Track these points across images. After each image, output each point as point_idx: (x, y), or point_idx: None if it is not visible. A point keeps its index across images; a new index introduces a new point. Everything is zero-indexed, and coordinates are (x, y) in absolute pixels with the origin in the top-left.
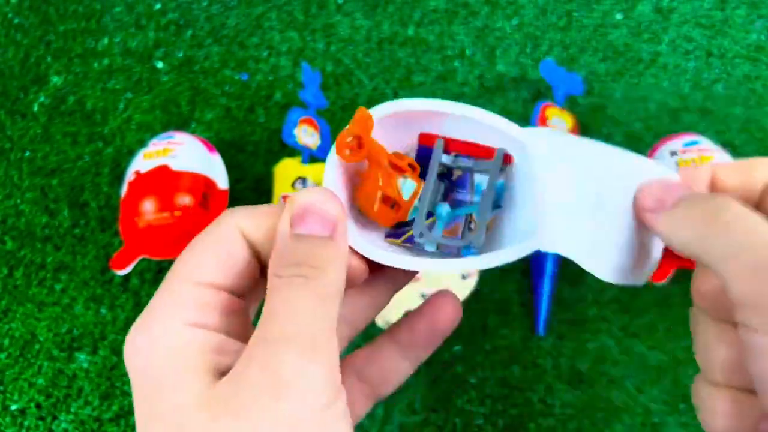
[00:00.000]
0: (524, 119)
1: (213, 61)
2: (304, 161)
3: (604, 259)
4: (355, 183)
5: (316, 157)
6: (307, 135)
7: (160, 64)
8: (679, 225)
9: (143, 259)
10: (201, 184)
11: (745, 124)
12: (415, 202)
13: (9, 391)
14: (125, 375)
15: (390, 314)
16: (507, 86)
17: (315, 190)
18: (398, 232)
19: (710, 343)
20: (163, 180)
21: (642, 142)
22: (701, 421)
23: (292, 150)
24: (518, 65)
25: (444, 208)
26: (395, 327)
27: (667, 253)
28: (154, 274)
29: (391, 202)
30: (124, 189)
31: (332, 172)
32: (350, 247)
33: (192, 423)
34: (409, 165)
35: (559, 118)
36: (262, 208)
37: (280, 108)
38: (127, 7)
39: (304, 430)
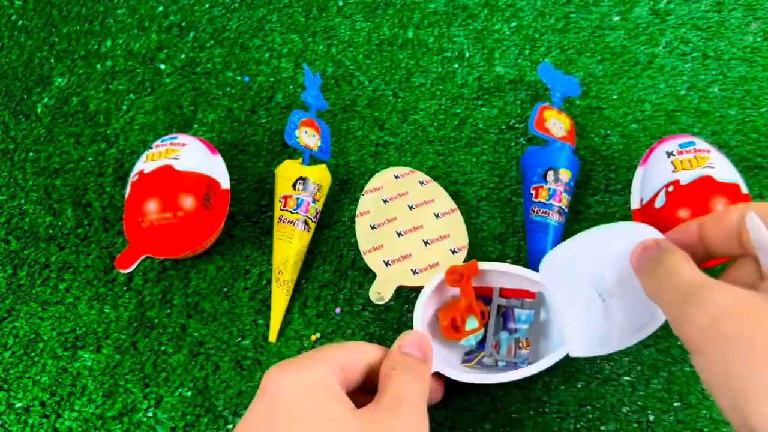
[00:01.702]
0: (522, 121)
1: (215, 63)
2: (304, 162)
3: (612, 339)
4: (440, 301)
5: (317, 157)
6: (308, 136)
7: (162, 66)
8: (643, 279)
9: (146, 259)
10: (203, 185)
11: (740, 125)
12: (471, 336)
13: (13, 390)
14: (128, 373)
15: (384, 289)
16: (505, 88)
17: (414, 333)
18: (470, 358)
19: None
20: (166, 180)
21: (638, 143)
22: None
23: (293, 151)
24: (516, 67)
25: (504, 335)
26: None
27: None
28: (157, 273)
29: (455, 324)
30: (128, 189)
31: (430, 288)
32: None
33: (347, 423)
34: (481, 311)
35: (557, 120)
36: (350, 350)
37: (281, 109)
38: (129, 10)
39: None
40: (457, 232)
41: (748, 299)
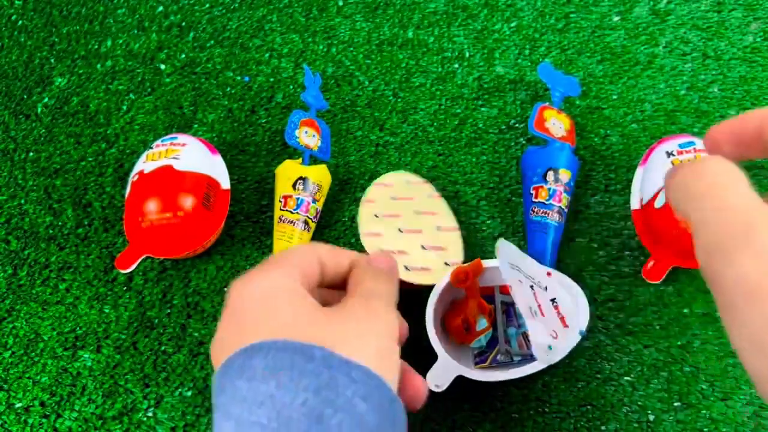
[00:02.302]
0: (522, 121)
1: (215, 63)
2: (304, 162)
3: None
4: (442, 308)
5: (317, 157)
6: (308, 136)
7: (162, 66)
8: (675, 195)
9: (146, 259)
10: (203, 185)
11: None
12: (482, 336)
13: (13, 390)
14: (128, 373)
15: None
16: (505, 88)
17: (382, 252)
18: (482, 359)
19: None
20: (167, 180)
21: (638, 143)
22: None
23: (293, 151)
24: (516, 67)
25: (512, 330)
26: None
27: (663, 253)
28: (157, 273)
29: (466, 325)
30: (128, 189)
31: (439, 288)
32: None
33: (314, 317)
34: (489, 313)
35: (557, 120)
36: (332, 248)
37: (281, 109)
38: (130, 10)
39: (384, 344)
40: (455, 249)
41: None
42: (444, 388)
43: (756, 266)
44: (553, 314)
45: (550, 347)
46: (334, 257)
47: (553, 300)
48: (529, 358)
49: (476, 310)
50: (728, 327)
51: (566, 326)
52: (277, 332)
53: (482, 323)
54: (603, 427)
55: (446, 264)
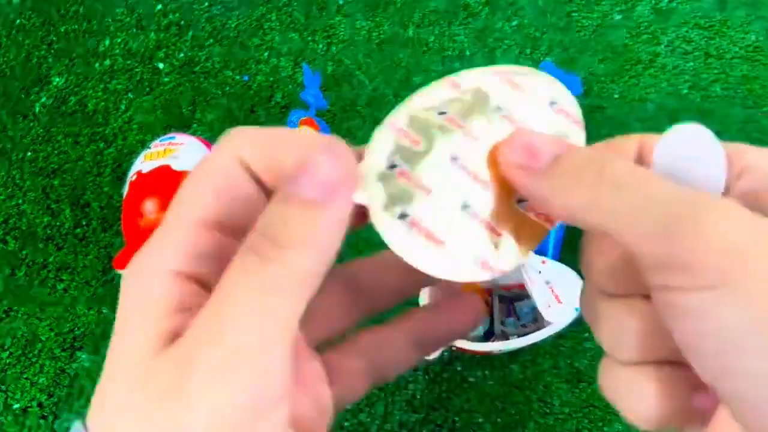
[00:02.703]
0: None
1: (214, 62)
2: None
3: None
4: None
5: None
6: None
7: (161, 65)
8: (564, 187)
9: None
10: None
11: (743, 124)
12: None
13: (11, 391)
14: None
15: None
16: None
17: (326, 147)
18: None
19: (618, 319)
20: (165, 180)
21: None
22: (625, 411)
23: None
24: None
25: (510, 320)
26: (409, 319)
27: None
28: None
29: None
30: (126, 189)
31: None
32: None
33: (130, 400)
34: (486, 302)
35: None
36: (265, 133)
37: (280, 109)
38: (128, 9)
39: None
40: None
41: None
42: (435, 357)
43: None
44: (548, 292)
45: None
46: (266, 152)
47: (547, 282)
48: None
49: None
50: None
51: (560, 303)
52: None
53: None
54: (605, 429)
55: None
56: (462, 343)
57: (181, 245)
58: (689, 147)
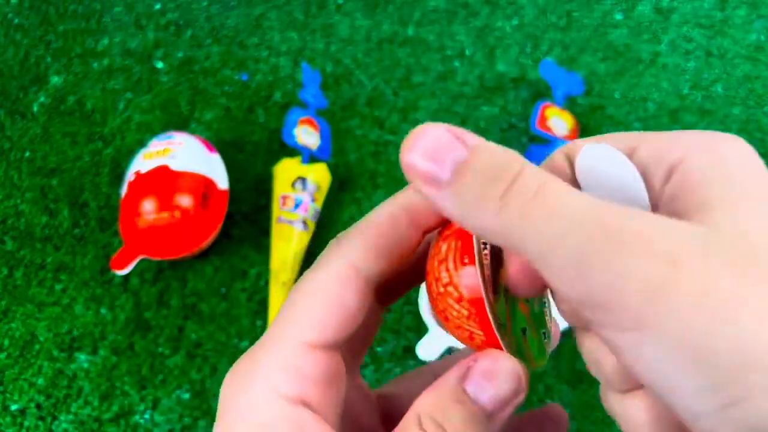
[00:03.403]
0: (524, 119)
1: (213, 61)
2: (304, 161)
3: None
4: None
5: (316, 157)
6: (307, 135)
7: (159, 64)
8: (471, 206)
9: (143, 260)
10: (201, 185)
11: (744, 124)
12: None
13: (9, 391)
14: (125, 375)
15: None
16: (507, 86)
17: (502, 359)
18: None
19: (593, 352)
20: (163, 180)
21: None
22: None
23: (291, 150)
24: (518, 65)
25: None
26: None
27: None
28: (154, 274)
29: None
30: (124, 189)
31: None
32: None
33: None
34: None
35: (559, 118)
36: (370, 230)
37: (279, 108)
38: (126, 7)
39: None
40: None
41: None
42: (434, 359)
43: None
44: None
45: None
46: (382, 251)
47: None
48: None
49: None
50: None
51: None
52: None
53: None
54: (607, 430)
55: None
56: (453, 342)
57: (290, 368)
58: (605, 169)
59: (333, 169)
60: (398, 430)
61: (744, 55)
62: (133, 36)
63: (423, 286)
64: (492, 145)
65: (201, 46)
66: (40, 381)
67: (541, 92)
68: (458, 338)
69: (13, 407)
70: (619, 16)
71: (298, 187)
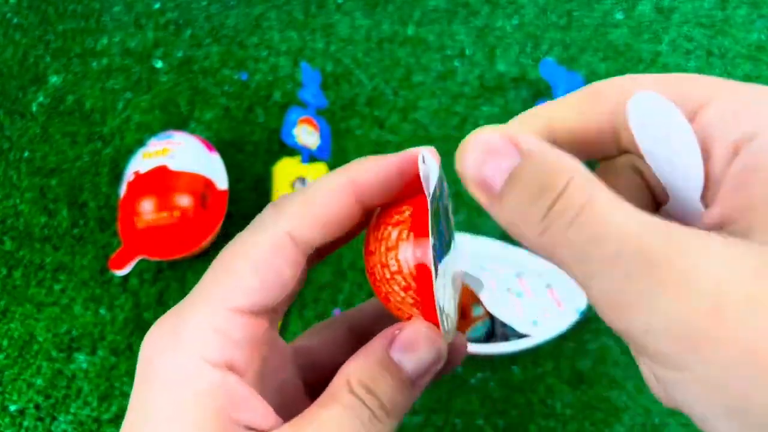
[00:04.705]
0: None
1: (212, 60)
2: (303, 161)
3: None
4: None
5: (316, 156)
6: (306, 134)
7: (159, 64)
8: (517, 221)
9: (142, 260)
10: (200, 185)
11: None
12: (479, 322)
13: (8, 392)
14: (124, 375)
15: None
16: (507, 86)
17: (418, 325)
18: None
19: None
20: (162, 180)
21: None
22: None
23: (291, 150)
24: (518, 65)
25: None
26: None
27: None
28: (154, 274)
29: (462, 310)
30: (123, 189)
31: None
32: None
33: None
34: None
35: None
36: (313, 200)
37: (279, 108)
38: (126, 7)
39: None
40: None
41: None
42: None
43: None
44: (546, 297)
45: (535, 322)
46: (319, 219)
47: (548, 285)
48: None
49: (470, 292)
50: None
51: (561, 308)
52: None
53: (478, 310)
54: (607, 430)
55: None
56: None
57: (215, 332)
58: (658, 124)
59: (333, 169)
60: (328, 394)
61: (745, 54)
62: (132, 35)
63: None
64: (545, 151)
65: (200, 46)
66: (39, 381)
67: (542, 92)
68: (395, 316)
69: (12, 408)
70: (619, 16)
71: (297, 187)
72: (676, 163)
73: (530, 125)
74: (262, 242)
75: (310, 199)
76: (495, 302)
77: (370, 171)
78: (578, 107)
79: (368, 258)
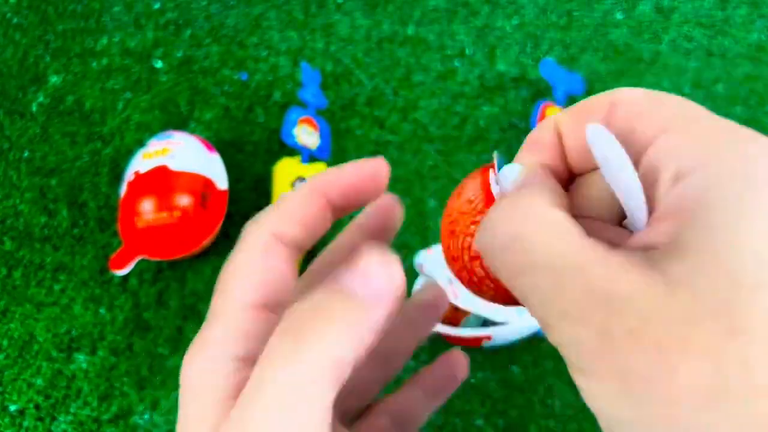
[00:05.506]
0: (524, 119)
1: (212, 60)
2: (303, 161)
3: None
4: None
5: (316, 156)
6: (306, 134)
7: (159, 64)
8: (486, 247)
9: (142, 260)
10: (200, 185)
11: (745, 124)
12: (471, 317)
13: (8, 392)
14: (124, 375)
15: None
16: (507, 86)
17: (377, 253)
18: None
19: None
20: (162, 180)
21: None
22: None
23: (291, 150)
24: (518, 65)
25: None
26: (418, 375)
27: None
28: (154, 274)
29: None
30: (124, 189)
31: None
32: None
33: None
34: None
35: None
36: (288, 205)
37: (279, 107)
38: (126, 7)
39: None
40: None
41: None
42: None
43: (707, 369)
44: None
45: (519, 311)
46: (297, 219)
47: None
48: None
49: None
50: None
51: None
52: None
53: None
54: None
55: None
56: (445, 329)
57: (237, 330)
58: (607, 154)
59: None
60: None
61: (745, 54)
62: (132, 35)
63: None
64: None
65: (200, 46)
66: (39, 381)
67: (542, 92)
68: (477, 294)
69: (12, 408)
70: (619, 16)
71: (297, 187)
72: (622, 186)
73: (541, 149)
74: (250, 247)
75: (283, 204)
76: (469, 300)
77: (333, 177)
78: (572, 122)
79: (452, 263)
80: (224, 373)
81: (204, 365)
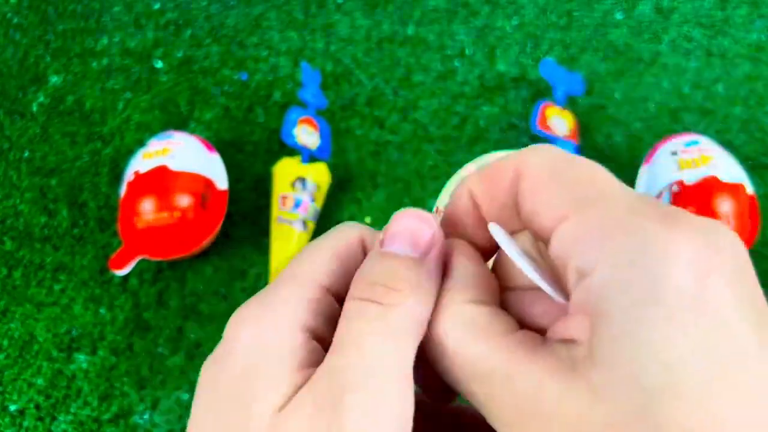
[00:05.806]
0: (524, 119)
1: (212, 60)
2: (303, 161)
3: None
4: None
5: (316, 156)
6: (306, 134)
7: (159, 64)
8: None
9: (142, 260)
10: (200, 185)
11: (745, 124)
12: None
13: (8, 392)
14: (124, 375)
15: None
16: (507, 86)
17: (409, 213)
18: None
19: None
20: (162, 180)
21: (642, 142)
22: None
23: (291, 150)
24: (518, 65)
25: None
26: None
27: None
28: (154, 274)
29: None
30: (123, 189)
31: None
32: None
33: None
34: None
35: (559, 118)
36: (325, 251)
37: (279, 108)
38: (126, 7)
39: None
40: None
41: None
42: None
43: None
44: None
45: None
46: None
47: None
48: None
49: None
50: None
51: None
52: None
53: None
54: None
55: None
56: None
57: (308, 302)
58: (504, 247)
59: (333, 169)
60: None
61: (745, 54)
62: (132, 35)
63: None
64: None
65: (200, 46)
66: (39, 381)
67: (542, 92)
68: None
69: (12, 408)
70: (619, 16)
71: (297, 187)
72: (528, 277)
73: (461, 203)
74: (339, 236)
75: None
76: None
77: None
78: (484, 192)
79: None
80: (297, 343)
81: (270, 334)
